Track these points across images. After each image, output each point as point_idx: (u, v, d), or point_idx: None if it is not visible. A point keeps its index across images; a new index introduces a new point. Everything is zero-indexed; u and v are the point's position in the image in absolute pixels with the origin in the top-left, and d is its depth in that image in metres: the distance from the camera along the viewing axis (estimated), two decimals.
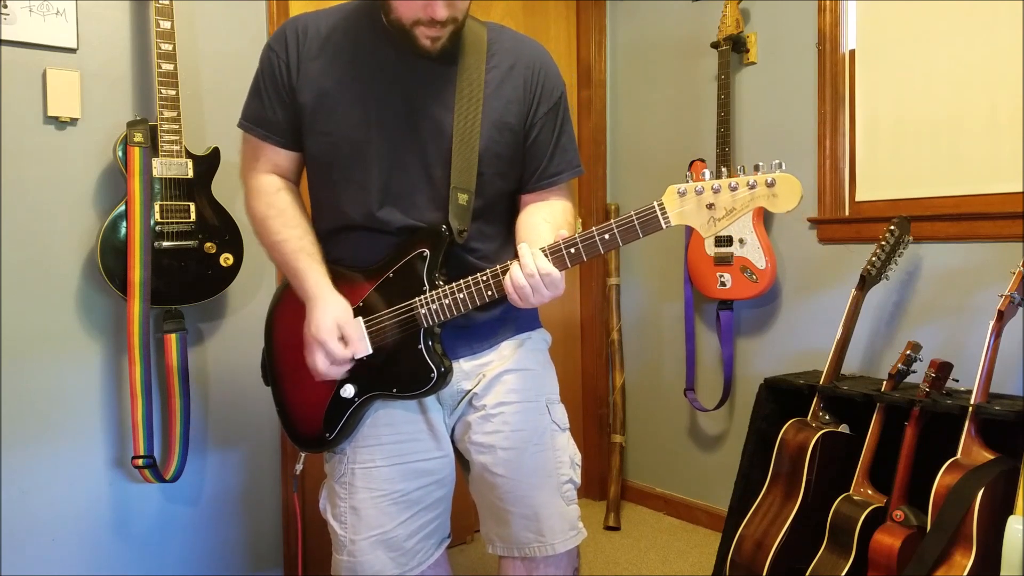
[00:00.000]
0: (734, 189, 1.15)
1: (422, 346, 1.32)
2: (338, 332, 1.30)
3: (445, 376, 1.33)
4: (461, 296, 1.28)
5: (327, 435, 1.38)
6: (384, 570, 1.38)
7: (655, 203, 1.19)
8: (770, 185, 1.13)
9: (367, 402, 1.37)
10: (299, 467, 1.50)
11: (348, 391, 1.36)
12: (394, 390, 1.35)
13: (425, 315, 1.30)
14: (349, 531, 1.39)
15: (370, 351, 1.33)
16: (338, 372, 1.33)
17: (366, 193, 1.34)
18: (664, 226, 1.20)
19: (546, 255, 1.23)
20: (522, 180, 1.41)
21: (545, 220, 1.35)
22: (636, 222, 1.20)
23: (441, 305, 1.29)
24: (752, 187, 1.14)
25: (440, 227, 1.31)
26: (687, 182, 1.18)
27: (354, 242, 1.39)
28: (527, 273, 1.21)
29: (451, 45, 1.31)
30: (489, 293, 1.27)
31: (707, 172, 1.18)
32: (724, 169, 1.19)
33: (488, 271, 1.27)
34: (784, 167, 1.15)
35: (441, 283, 1.30)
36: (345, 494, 1.40)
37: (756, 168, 1.16)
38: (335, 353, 1.30)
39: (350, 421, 1.37)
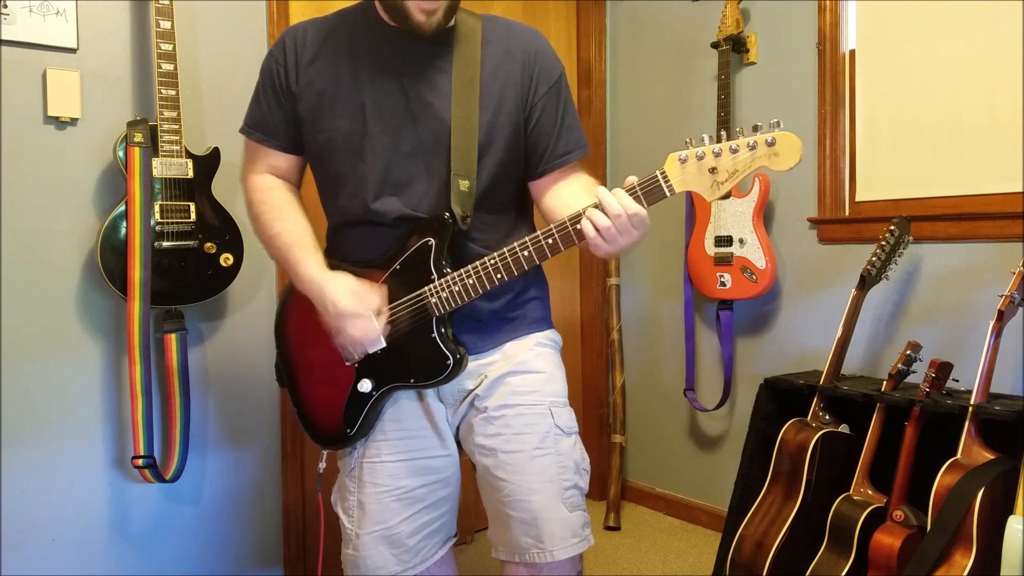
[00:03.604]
0: (735, 151, 1.15)
1: (435, 335, 1.32)
2: (354, 295, 1.30)
3: (461, 363, 1.34)
4: (471, 282, 1.28)
5: (348, 431, 1.39)
6: (386, 566, 1.38)
7: (657, 172, 1.18)
8: (770, 144, 1.13)
9: (385, 395, 1.38)
10: (322, 465, 1.49)
11: (366, 386, 1.36)
12: (412, 380, 1.35)
13: (436, 304, 1.31)
14: (355, 525, 1.40)
15: (384, 343, 1.33)
16: (373, 337, 1.31)
17: (364, 186, 1.35)
18: (668, 194, 1.19)
19: (637, 195, 1.18)
20: (530, 166, 1.40)
21: (583, 190, 1.33)
22: (640, 192, 1.19)
23: (451, 292, 1.30)
24: (752, 148, 1.14)
25: (443, 215, 1.31)
26: (687, 148, 1.17)
27: (357, 237, 1.40)
28: (613, 214, 1.17)
29: (446, 22, 1.31)
30: (499, 276, 1.27)
31: (706, 136, 1.18)
32: (723, 132, 1.18)
33: (496, 254, 1.27)
34: (783, 125, 1.14)
35: (448, 271, 1.30)
36: (354, 487, 1.41)
37: (755, 128, 1.15)
38: (361, 311, 1.29)
39: (370, 415, 1.38)
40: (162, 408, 2.04)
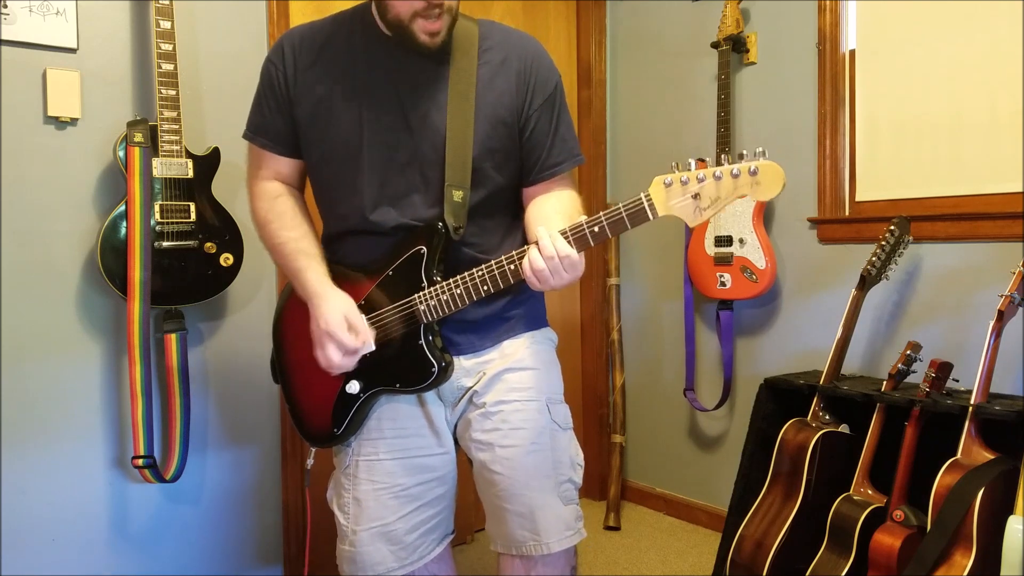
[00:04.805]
0: (718, 178, 1.17)
1: (422, 342, 1.34)
2: (347, 324, 1.33)
3: (446, 371, 1.35)
4: (458, 291, 1.30)
5: (335, 430, 1.41)
6: (384, 562, 1.40)
7: (642, 195, 1.21)
8: (753, 173, 1.15)
9: (372, 397, 1.39)
10: (310, 461, 1.52)
11: (353, 387, 1.38)
12: (397, 385, 1.37)
13: (424, 311, 1.33)
14: (351, 521, 1.42)
15: (373, 347, 1.35)
16: (350, 363, 1.35)
17: (360, 195, 1.36)
18: (651, 217, 1.21)
19: (567, 239, 1.23)
20: (523, 173, 1.42)
21: (556, 211, 1.35)
22: (624, 214, 1.21)
23: (439, 301, 1.31)
24: (736, 176, 1.16)
25: (437, 224, 1.33)
26: (673, 172, 1.20)
27: (353, 245, 1.41)
28: (547, 256, 1.21)
29: (447, 36, 1.32)
30: (485, 288, 1.29)
31: (692, 162, 1.20)
32: (708, 159, 1.20)
33: (483, 266, 1.29)
34: (767, 155, 1.16)
35: (439, 279, 1.32)
36: (349, 485, 1.43)
37: (740, 156, 1.17)
38: (347, 344, 1.32)
39: (357, 416, 1.40)
40: (162, 408, 2.04)
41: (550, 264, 1.22)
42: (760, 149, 1.17)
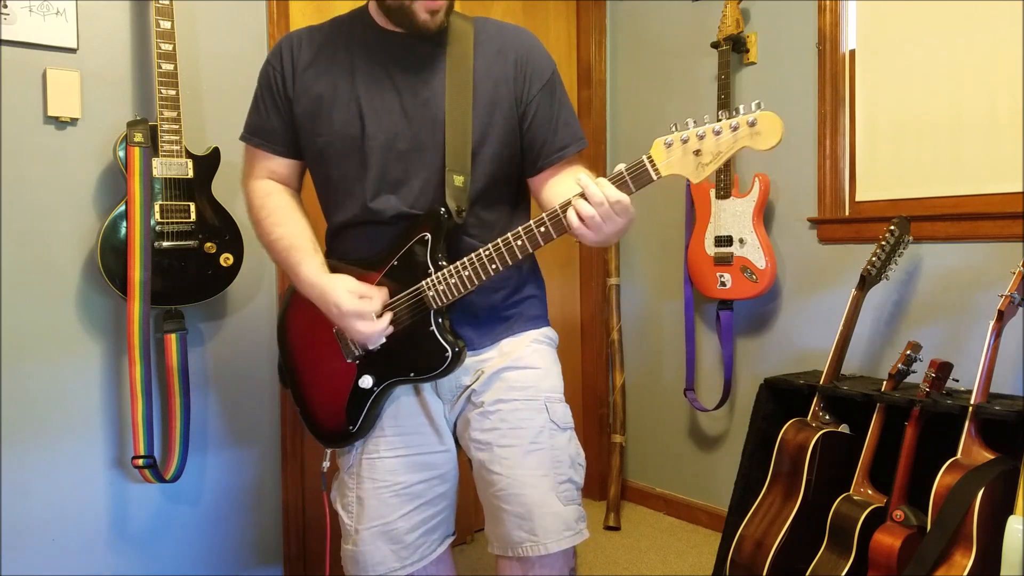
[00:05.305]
0: (718, 133, 1.17)
1: (433, 328, 1.34)
2: (357, 295, 1.32)
3: (459, 356, 1.35)
4: (466, 273, 1.30)
5: (350, 428, 1.41)
6: (384, 561, 1.40)
7: (644, 156, 1.21)
8: (752, 124, 1.15)
9: (386, 390, 1.39)
10: (326, 464, 1.51)
11: (367, 382, 1.38)
12: (411, 374, 1.37)
13: (433, 297, 1.32)
14: (354, 520, 1.42)
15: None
16: (384, 324, 1.33)
17: (362, 184, 1.37)
18: (654, 178, 1.21)
19: (625, 180, 1.20)
20: (529, 163, 1.42)
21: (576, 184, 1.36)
22: (627, 177, 1.21)
23: (448, 285, 1.31)
24: (735, 129, 1.16)
25: (439, 210, 1.33)
26: (672, 132, 1.20)
27: (355, 240, 1.42)
28: (596, 202, 1.19)
29: (445, 20, 1.35)
30: (493, 267, 1.29)
31: (691, 121, 1.20)
32: (706, 116, 1.20)
33: (490, 244, 1.28)
34: (763, 106, 1.16)
35: (444, 264, 1.32)
36: (353, 484, 1.43)
37: (737, 110, 1.18)
38: (369, 310, 1.31)
39: (371, 411, 1.40)
40: (162, 408, 2.04)
41: (600, 210, 1.19)
42: (757, 101, 1.17)
